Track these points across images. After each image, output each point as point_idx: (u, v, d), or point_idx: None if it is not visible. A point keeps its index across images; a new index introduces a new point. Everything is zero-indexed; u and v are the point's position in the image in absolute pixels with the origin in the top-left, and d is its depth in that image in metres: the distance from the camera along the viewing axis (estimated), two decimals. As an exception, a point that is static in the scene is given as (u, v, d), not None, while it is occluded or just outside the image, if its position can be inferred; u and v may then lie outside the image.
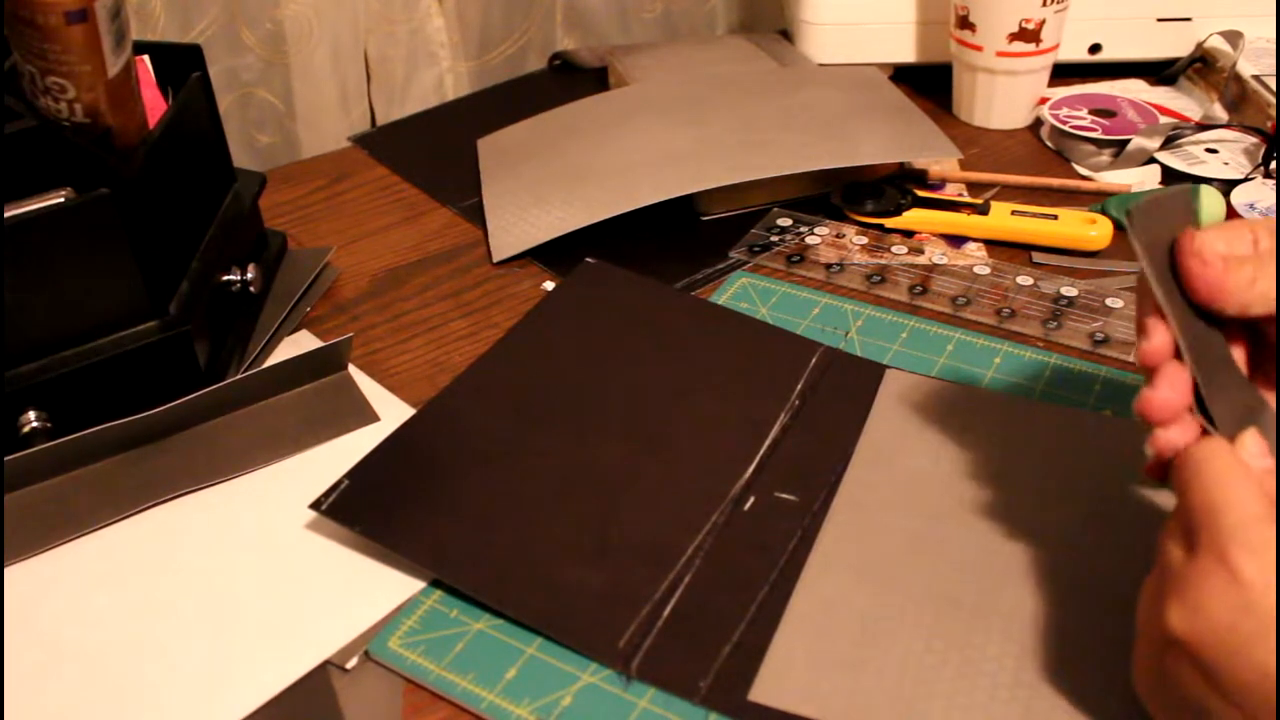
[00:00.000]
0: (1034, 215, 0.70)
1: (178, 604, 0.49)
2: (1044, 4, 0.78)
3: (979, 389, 0.58)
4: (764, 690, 0.43)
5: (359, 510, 0.51)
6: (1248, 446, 0.39)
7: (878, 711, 0.42)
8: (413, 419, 0.56)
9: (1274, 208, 0.69)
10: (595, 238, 0.69)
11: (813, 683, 0.43)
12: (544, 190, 0.74)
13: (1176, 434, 0.40)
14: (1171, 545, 0.37)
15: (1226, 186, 0.72)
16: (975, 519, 0.50)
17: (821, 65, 0.89)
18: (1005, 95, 0.83)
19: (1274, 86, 0.79)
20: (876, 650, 0.44)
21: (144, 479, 0.54)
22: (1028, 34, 0.80)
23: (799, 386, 0.58)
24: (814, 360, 0.59)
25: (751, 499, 0.51)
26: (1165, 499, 0.43)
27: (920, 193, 0.73)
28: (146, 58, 0.61)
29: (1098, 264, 0.68)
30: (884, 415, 0.55)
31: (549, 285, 0.68)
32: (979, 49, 0.81)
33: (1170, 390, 0.40)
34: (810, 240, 0.71)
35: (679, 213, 0.74)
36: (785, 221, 0.73)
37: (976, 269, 0.67)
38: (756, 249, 0.70)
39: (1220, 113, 0.82)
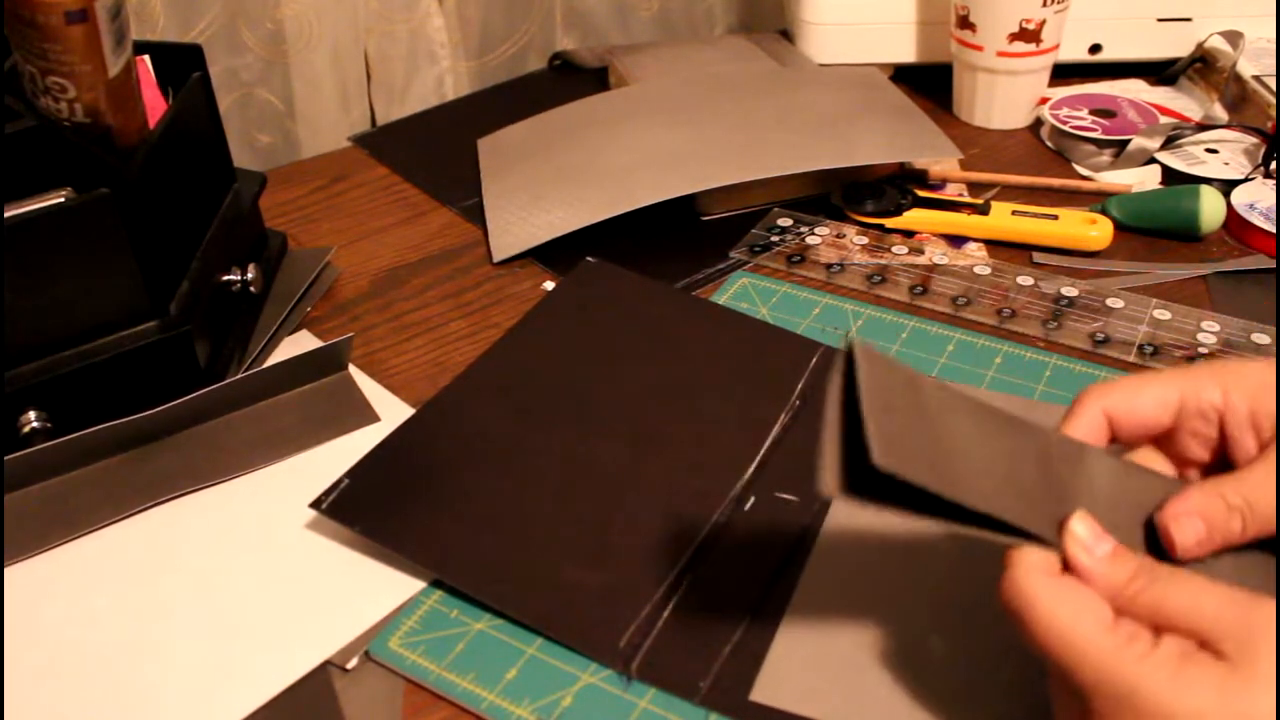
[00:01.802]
0: (1034, 215, 0.70)
1: (178, 604, 0.49)
2: (1044, 4, 0.78)
3: (982, 391, 0.58)
4: (764, 690, 0.43)
5: (359, 510, 0.51)
6: (1079, 540, 0.36)
7: (877, 712, 0.42)
8: (413, 419, 0.56)
9: (1274, 208, 0.69)
10: (595, 238, 0.69)
11: (812, 683, 0.43)
12: (544, 190, 0.74)
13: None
14: (1074, 713, 0.35)
15: (1226, 187, 0.72)
16: None
17: (821, 65, 0.89)
18: (1005, 95, 0.83)
19: (1274, 86, 0.79)
20: (876, 651, 0.44)
21: (144, 479, 0.54)
22: (1028, 34, 0.80)
23: (799, 386, 0.58)
24: (814, 360, 0.59)
25: (751, 499, 0.51)
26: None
27: (921, 193, 0.73)
28: (147, 58, 0.61)
29: (1098, 264, 0.68)
30: None
31: (549, 285, 0.68)
32: (979, 49, 0.81)
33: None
34: (810, 240, 0.71)
35: (679, 213, 0.74)
36: (785, 221, 0.73)
37: (977, 269, 0.67)
38: (757, 249, 0.70)
39: (1220, 113, 0.82)
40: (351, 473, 0.52)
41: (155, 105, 0.59)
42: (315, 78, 0.88)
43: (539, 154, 0.79)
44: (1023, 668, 0.43)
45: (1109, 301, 0.64)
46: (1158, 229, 0.70)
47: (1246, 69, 0.82)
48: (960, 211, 0.71)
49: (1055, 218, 0.69)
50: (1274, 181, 0.72)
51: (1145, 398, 0.40)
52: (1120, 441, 0.41)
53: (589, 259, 0.68)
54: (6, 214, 0.50)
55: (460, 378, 0.59)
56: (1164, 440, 0.41)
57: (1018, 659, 0.43)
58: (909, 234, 0.71)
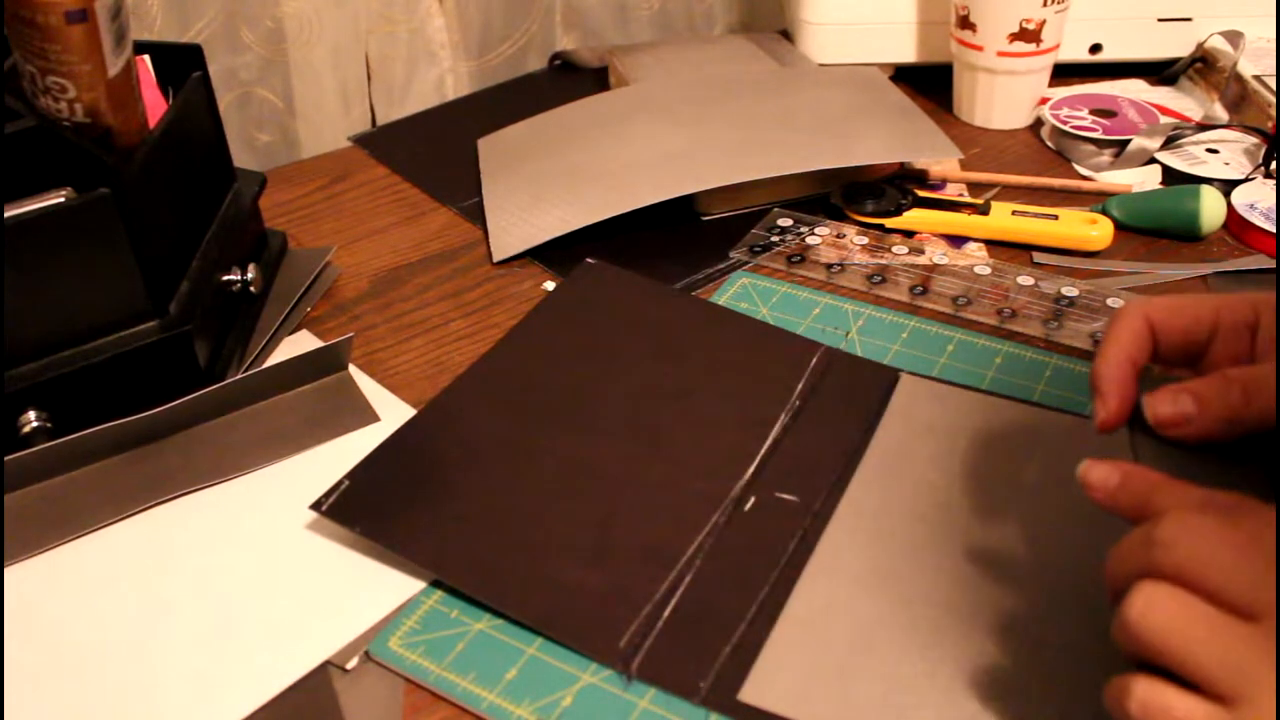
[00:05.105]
0: (1034, 215, 0.70)
1: (178, 604, 0.49)
2: (1044, 4, 0.78)
3: (995, 397, 0.57)
4: (753, 691, 0.43)
5: (359, 511, 0.51)
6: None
7: (865, 718, 0.42)
8: (413, 419, 0.56)
9: (1274, 208, 0.69)
10: (595, 238, 0.69)
11: (802, 686, 0.43)
12: (544, 190, 0.74)
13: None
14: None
15: (1227, 187, 0.72)
16: (981, 529, 0.50)
17: (821, 65, 0.89)
18: (1006, 95, 0.83)
19: (1274, 86, 0.79)
20: (869, 657, 0.44)
21: (144, 479, 0.54)
22: (1028, 34, 0.80)
23: (799, 387, 0.58)
24: (814, 360, 0.59)
25: (751, 499, 0.51)
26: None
27: (921, 193, 0.73)
28: (147, 58, 0.61)
29: (1098, 264, 0.68)
30: (896, 421, 0.55)
31: (549, 285, 0.68)
32: (979, 49, 0.81)
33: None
34: (811, 240, 0.71)
35: (679, 213, 0.74)
36: (786, 221, 0.73)
37: (977, 269, 0.67)
38: (757, 249, 0.70)
39: (1221, 113, 0.82)
40: (352, 474, 0.52)
41: (155, 105, 0.59)
42: (315, 77, 0.88)
43: (539, 154, 0.79)
44: (1016, 678, 0.43)
45: (1109, 301, 0.64)
46: (1158, 229, 0.70)
47: (1247, 69, 0.82)
48: (960, 211, 0.71)
49: (1055, 218, 0.69)
50: (1274, 181, 0.72)
51: (1187, 309, 0.43)
52: (1160, 354, 0.44)
53: (589, 260, 0.68)
54: (6, 214, 0.50)
55: (460, 378, 0.59)
56: (1198, 363, 0.44)
57: (1011, 669, 0.43)
58: (909, 234, 0.71)
